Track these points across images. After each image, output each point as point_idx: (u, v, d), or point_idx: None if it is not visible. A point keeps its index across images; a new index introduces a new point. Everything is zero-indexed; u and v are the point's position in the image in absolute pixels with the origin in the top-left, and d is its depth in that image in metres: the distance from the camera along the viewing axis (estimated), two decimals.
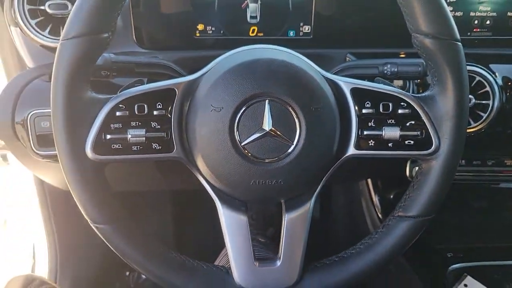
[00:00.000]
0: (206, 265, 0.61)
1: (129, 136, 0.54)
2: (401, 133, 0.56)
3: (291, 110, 0.54)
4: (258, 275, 0.59)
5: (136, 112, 0.55)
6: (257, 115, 0.54)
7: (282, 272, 0.60)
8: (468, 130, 0.80)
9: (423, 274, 1.05)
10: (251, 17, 0.79)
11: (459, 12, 0.82)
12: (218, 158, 0.55)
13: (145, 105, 0.55)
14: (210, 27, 0.79)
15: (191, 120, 0.55)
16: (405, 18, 0.55)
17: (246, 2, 0.78)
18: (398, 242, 0.59)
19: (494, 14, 0.82)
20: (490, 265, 0.99)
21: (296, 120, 0.54)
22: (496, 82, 0.80)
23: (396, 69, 0.66)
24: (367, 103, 0.57)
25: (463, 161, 0.89)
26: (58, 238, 1.16)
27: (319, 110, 0.55)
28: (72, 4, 0.73)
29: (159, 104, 0.55)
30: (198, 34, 0.80)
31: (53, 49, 0.77)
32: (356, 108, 0.57)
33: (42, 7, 0.75)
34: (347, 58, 0.81)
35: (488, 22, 0.83)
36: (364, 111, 0.57)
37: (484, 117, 0.80)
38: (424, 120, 0.56)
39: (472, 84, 0.80)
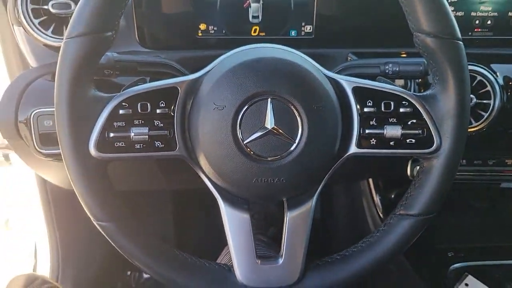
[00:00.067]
0: (208, 263, 0.61)
1: (132, 134, 0.55)
2: (402, 131, 0.57)
3: (293, 109, 0.54)
4: (260, 273, 0.60)
5: (139, 111, 0.55)
6: (259, 113, 0.54)
7: (284, 270, 0.60)
8: (469, 130, 0.80)
9: (424, 273, 1.05)
10: (253, 16, 0.79)
11: (460, 12, 0.82)
12: (221, 156, 0.55)
13: (148, 104, 0.55)
14: (212, 27, 0.80)
15: (194, 119, 0.56)
16: (406, 17, 0.55)
17: (248, 1, 0.78)
18: (399, 240, 0.59)
19: (495, 14, 0.83)
20: (491, 264, 0.99)
21: (298, 119, 0.54)
22: (497, 82, 0.80)
23: (397, 68, 0.67)
24: (369, 102, 0.57)
25: (464, 161, 0.89)
26: (60, 237, 1.16)
27: (321, 109, 0.55)
28: (75, 4, 0.75)
29: (162, 103, 0.56)
30: (200, 34, 0.80)
31: (56, 49, 0.77)
32: (358, 106, 0.57)
33: (45, 7, 0.76)
34: (349, 58, 0.81)
35: (489, 22, 0.83)
36: (365, 109, 0.57)
37: (485, 117, 0.80)
38: (426, 119, 0.56)
39: (473, 84, 0.80)
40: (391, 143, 0.57)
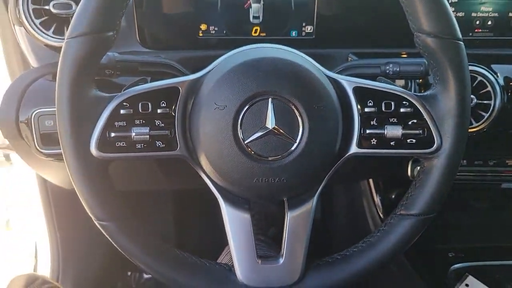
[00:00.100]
0: (209, 262, 0.61)
1: (133, 134, 0.55)
2: (403, 131, 0.57)
3: (294, 109, 0.54)
4: (261, 273, 0.60)
5: (140, 110, 0.55)
6: (260, 113, 0.54)
7: (284, 270, 0.60)
8: (470, 130, 0.80)
9: (424, 273, 1.05)
10: (254, 17, 0.79)
11: (460, 13, 0.82)
12: (221, 156, 0.55)
13: (149, 104, 0.55)
14: (213, 27, 0.80)
15: (195, 118, 0.56)
16: (407, 18, 0.55)
17: (249, 2, 0.78)
18: (400, 240, 0.59)
19: (496, 14, 0.83)
20: (491, 265, 0.99)
21: (299, 119, 0.54)
22: (498, 82, 0.80)
23: (398, 69, 0.67)
24: (370, 102, 0.57)
25: (465, 161, 0.89)
26: (60, 237, 1.16)
27: (322, 109, 0.55)
28: (76, 4, 0.75)
29: (163, 103, 0.56)
30: (201, 34, 0.80)
31: (57, 49, 0.77)
32: (359, 106, 0.57)
33: (46, 7, 0.76)
34: (349, 58, 0.81)
35: (489, 22, 0.83)
36: (366, 109, 0.57)
37: (485, 117, 0.81)
38: (426, 119, 0.56)
39: (474, 84, 0.80)
40: (392, 143, 0.57)
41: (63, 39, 0.53)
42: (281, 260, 0.60)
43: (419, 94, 0.58)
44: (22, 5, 0.75)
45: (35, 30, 0.76)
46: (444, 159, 0.57)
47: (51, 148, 0.72)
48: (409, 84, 0.79)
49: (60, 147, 0.54)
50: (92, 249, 1.27)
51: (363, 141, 0.58)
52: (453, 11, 0.79)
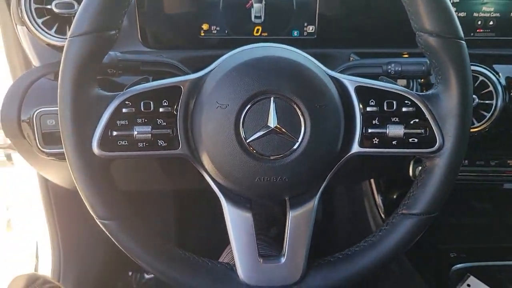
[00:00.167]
0: (211, 261, 0.61)
1: (135, 132, 0.55)
2: (405, 131, 0.57)
3: (296, 108, 0.54)
4: (263, 272, 0.60)
5: (142, 109, 0.55)
6: (262, 112, 0.54)
7: (286, 269, 0.60)
8: (472, 130, 0.80)
9: (426, 274, 1.05)
10: (256, 17, 0.79)
11: (462, 13, 0.82)
12: (223, 155, 0.55)
13: (151, 102, 0.55)
14: (214, 27, 0.80)
15: (197, 117, 0.56)
16: (409, 17, 0.55)
17: (250, 2, 0.78)
18: (402, 239, 0.59)
19: (498, 14, 0.83)
20: (493, 265, 0.99)
21: (301, 118, 0.54)
22: (500, 82, 0.80)
23: (400, 68, 0.67)
24: (372, 101, 0.57)
25: (466, 161, 0.89)
26: (61, 237, 1.16)
27: (324, 108, 0.55)
28: (78, 4, 0.75)
29: (165, 101, 0.56)
30: (202, 34, 0.80)
31: (59, 48, 0.77)
32: (361, 106, 0.57)
33: (48, 6, 0.76)
34: (351, 58, 0.81)
35: (491, 22, 0.83)
36: (368, 109, 0.57)
37: (487, 117, 0.81)
38: (428, 118, 0.56)
39: (476, 84, 0.80)
40: (394, 142, 0.57)
41: (65, 38, 0.53)
42: (283, 259, 0.60)
43: (421, 93, 0.58)
44: (24, 5, 0.75)
45: (37, 30, 0.76)
46: (446, 158, 0.57)
47: (52, 147, 0.72)
48: (411, 83, 0.79)
49: (62, 146, 0.54)
50: (93, 249, 1.27)
51: (365, 140, 0.58)
52: (454, 11, 0.79)
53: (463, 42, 0.54)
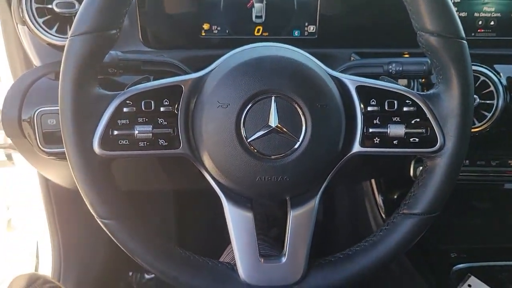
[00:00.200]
0: (211, 261, 0.61)
1: (136, 132, 0.55)
2: (406, 130, 0.57)
3: (297, 107, 0.54)
4: (263, 271, 0.59)
5: (143, 109, 0.55)
6: (263, 111, 0.54)
7: (287, 269, 0.60)
8: (473, 130, 0.80)
9: (427, 274, 1.05)
10: (256, 16, 0.79)
11: (463, 13, 0.82)
12: (224, 154, 0.55)
13: (152, 102, 0.55)
14: (215, 27, 0.80)
15: (198, 117, 0.56)
16: (410, 17, 0.55)
17: (251, 1, 0.78)
18: (402, 239, 0.59)
19: (498, 14, 0.83)
20: (494, 265, 0.99)
21: (302, 117, 0.54)
22: (501, 82, 0.80)
23: (401, 68, 0.67)
24: (372, 101, 0.57)
25: (467, 161, 0.89)
26: (62, 237, 1.16)
27: (325, 107, 0.55)
28: (79, 3, 0.75)
29: (166, 101, 0.56)
30: (203, 34, 0.80)
31: (60, 48, 0.77)
32: (362, 105, 0.57)
33: (49, 6, 0.76)
34: (352, 58, 0.81)
35: (492, 22, 0.83)
36: (369, 108, 0.57)
37: (488, 117, 0.81)
38: (429, 118, 0.56)
39: (477, 84, 0.80)
40: (395, 142, 0.57)
41: (66, 38, 0.53)
42: (284, 259, 0.60)
43: (422, 93, 0.58)
44: (25, 4, 0.75)
45: (38, 29, 0.76)
46: (447, 158, 0.57)
47: (53, 147, 0.72)
48: (412, 83, 0.79)
49: (63, 146, 0.54)
50: (93, 249, 1.27)
51: (366, 140, 0.58)
52: (455, 11, 0.79)
53: (465, 42, 0.54)
